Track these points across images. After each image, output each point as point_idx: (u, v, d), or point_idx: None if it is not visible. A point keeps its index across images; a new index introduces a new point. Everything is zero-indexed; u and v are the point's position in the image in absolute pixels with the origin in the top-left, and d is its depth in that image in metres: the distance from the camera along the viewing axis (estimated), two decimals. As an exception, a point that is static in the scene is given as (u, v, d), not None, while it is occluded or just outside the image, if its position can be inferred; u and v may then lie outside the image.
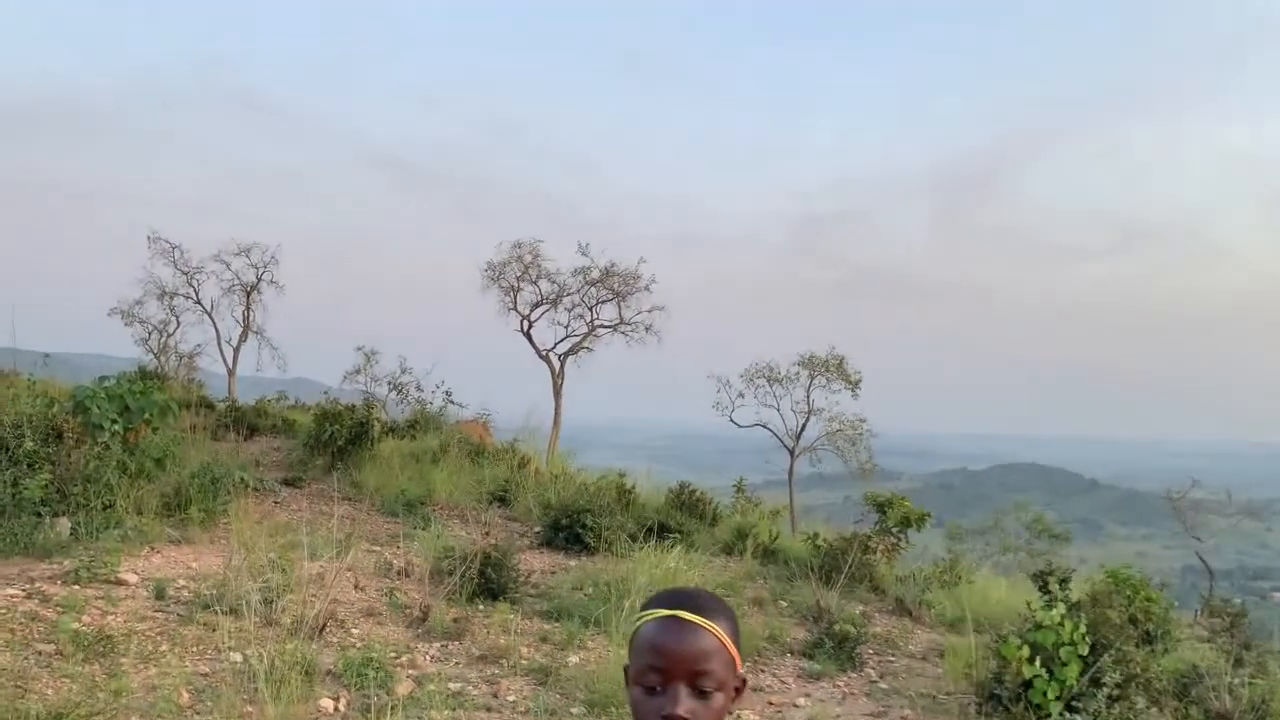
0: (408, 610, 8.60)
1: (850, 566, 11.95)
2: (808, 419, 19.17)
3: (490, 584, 9.12)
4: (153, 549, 9.93)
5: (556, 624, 8.77)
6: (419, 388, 20.93)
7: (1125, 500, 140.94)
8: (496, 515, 13.73)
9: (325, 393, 25.46)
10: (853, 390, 18.94)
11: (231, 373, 26.16)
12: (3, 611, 7.20)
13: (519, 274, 20.93)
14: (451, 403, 19.22)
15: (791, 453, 19.12)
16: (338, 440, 14.71)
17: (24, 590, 7.82)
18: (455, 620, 8.33)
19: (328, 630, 7.66)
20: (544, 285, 21.51)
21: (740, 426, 19.69)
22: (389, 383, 23.72)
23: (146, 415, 11.63)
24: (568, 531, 12.37)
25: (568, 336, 21.43)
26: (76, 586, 8.10)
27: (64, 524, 10.07)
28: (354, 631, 7.91)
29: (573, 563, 11.81)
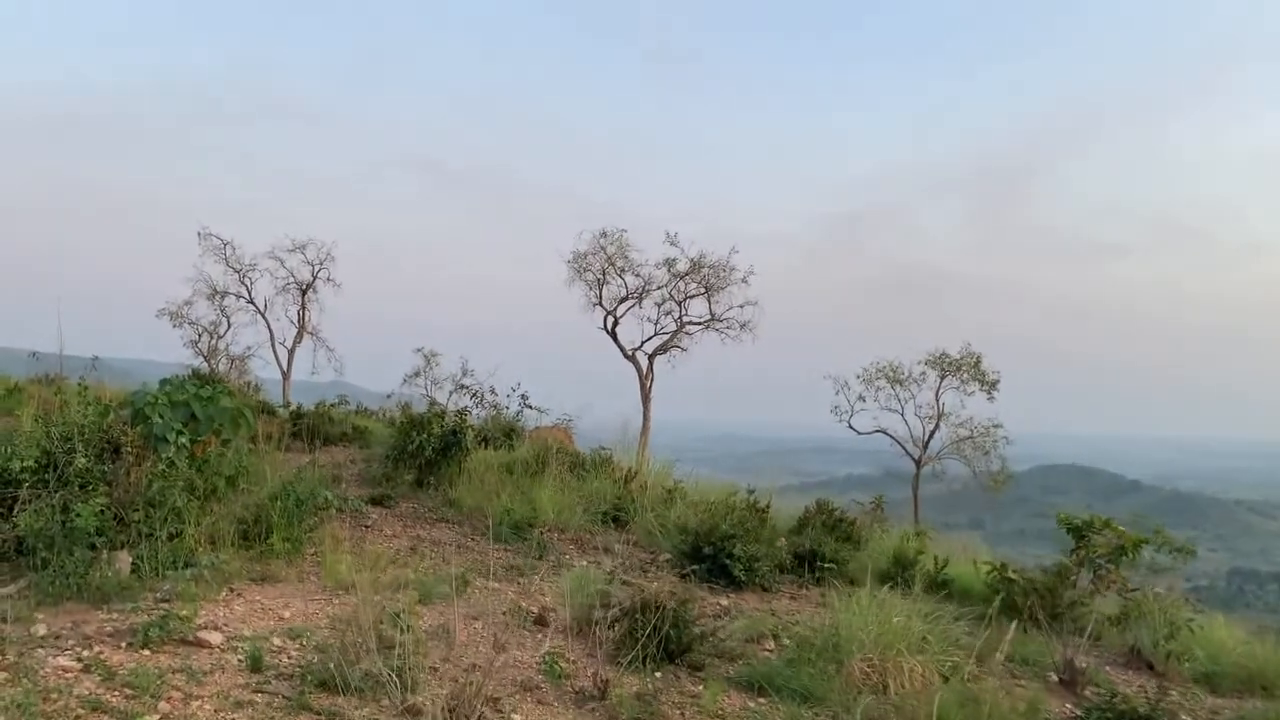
0: (571, 681, 6.61)
1: (1063, 607, 9.89)
2: (937, 424, 17.04)
3: (669, 643, 7.11)
4: (232, 590, 8.05)
5: (761, 700, 6.75)
6: (494, 391, 18.99)
7: (1168, 501, 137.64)
8: (616, 540, 11.74)
9: (389, 396, 23.69)
10: (989, 392, 16.81)
11: (286, 376, 24.45)
12: (54, 695, 5.30)
13: (603, 266, 18.97)
14: (529, 407, 17.25)
15: (918, 462, 17.00)
16: (426, 451, 12.78)
17: (80, 659, 5.93)
18: (640, 697, 6.33)
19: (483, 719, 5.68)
20: (629, 279, 19.56)
21: (859, 433, 17.60)
22: (459, 385, 21.91)
23: (216, 425, 9.75)
24: (711, 562, 10.35)
25: (657, 334, 19.44)
26: (146, 651, 6.21)
27: (124, 559, 8.20)
28: (515, 719, 5.92)
29: (723, 600, 9.82)
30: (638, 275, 19.49)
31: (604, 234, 19.11)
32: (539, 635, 7.65)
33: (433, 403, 23.83)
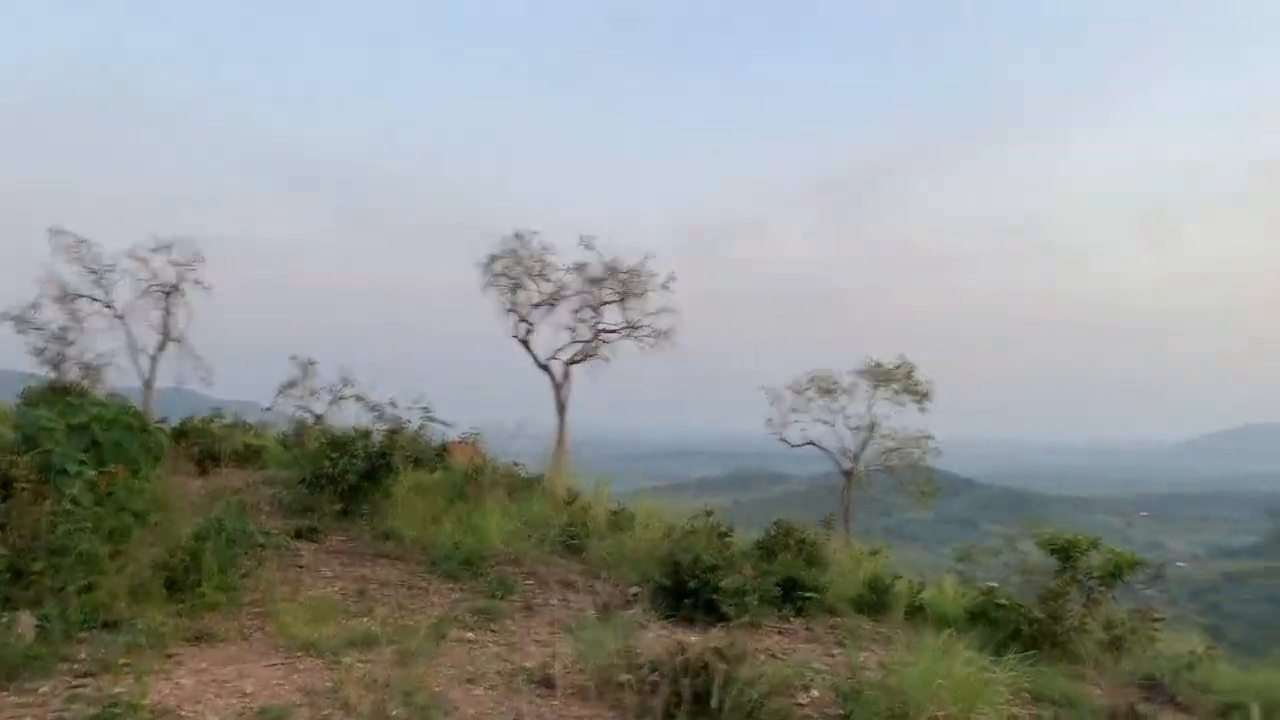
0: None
1: (1063, 635, 9.41)
2: (869, 436, 16.60)
3: (709, 712, 6.13)
4: (170, 657, 6.65)
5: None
6: (394, 404, 17.50)
7: (1000, 498, 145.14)
8: (575, 572, 10.68)
9: (268, 409, 21.91)
10: (920, 404, 16.48)
11: (149, 386, 22.18)
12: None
13: (519, 270, 17.82)
14: (431, 420, 15.89)
15: (848, 475, 16.52)
16: (350, 476, 11.40)
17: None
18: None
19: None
20: (543, 284, 18.47)
21: (793, 446, 17.01)
22: (338, 395, 20.39)
23: (127, 453, 8.25)
24: (695, 597, 9.42)
25: (573, 342, 18.39)
26: (94, 755, 4.87)
27: (26, 621, 6.73)
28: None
29: (703, 637, 8.88)
30: (550, 280, 18.40)
31: (517, 237, 17.94)
32: (552, 700, 6.56)
33: (315, 417, 22.12)
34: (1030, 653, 8.09)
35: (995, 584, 10.38)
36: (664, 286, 18.34)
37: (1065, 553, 10.45)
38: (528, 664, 7.29)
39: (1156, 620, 9.58)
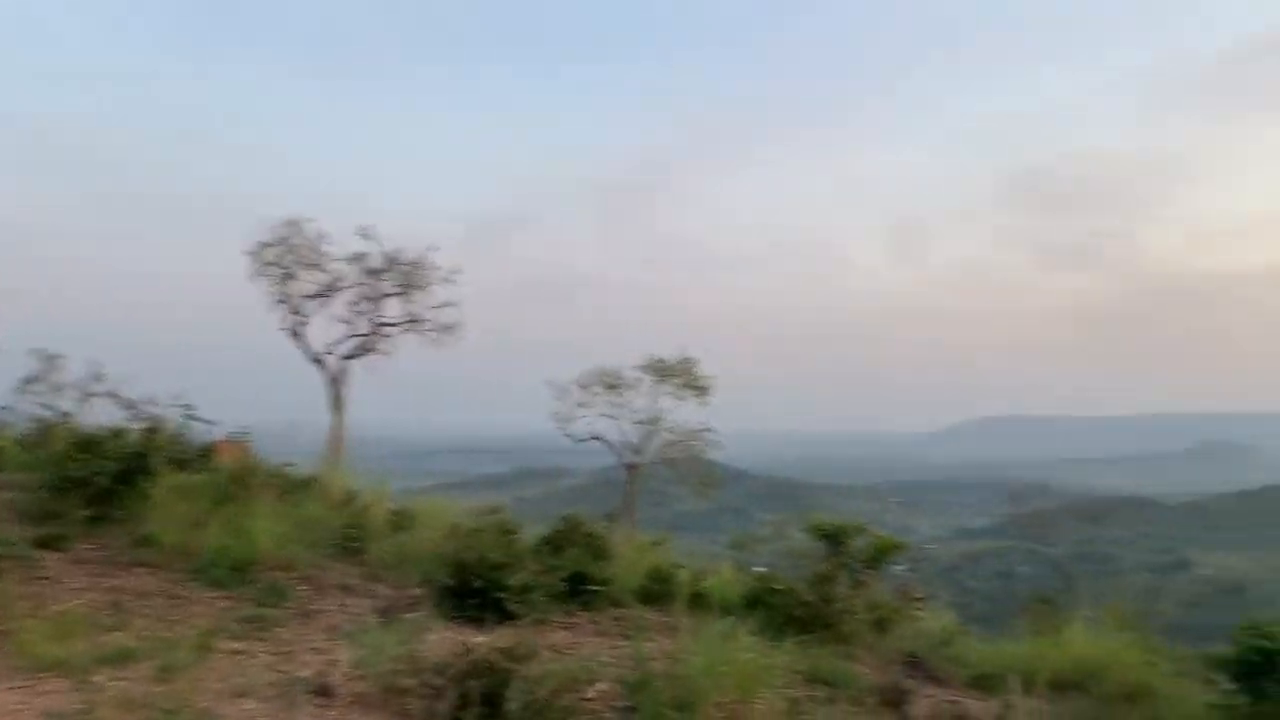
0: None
1: (833, 617, 9.91)
2: (652, 430, 16.92)
3: (497, 713, 6.05)
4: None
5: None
6: (152, 401, 16.31)
7: (769, 487, 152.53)
8: (354, 575, 10.30)
9: (4, 408, 19.89)
10: (700, 398, 16.94)
11: None
12: None
13: (292, 259, 16.98)
14: (193, 418, 14.95)
15: (631, 468, 16.78)
16: (102, 479, 10.51)
17: None
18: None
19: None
20: (318, 275, 17.70)
21: (578, 441, 17.07)
22: (89, 393, 18.90)
23: None
24: (482, 596, 9.29)
25: (350, 336, 17.73)
26: None
27: None
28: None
29: (490, 637, 8.78)
30: (326, 271, 17.65)
31: (290, 224, 17.09)
32: (331, 710, 6.28)
33: (61, 415, 20.29)
34: (805, 635, 8.45)
35: (769, 569, 10.80)
36: (447, 279, 17.98)
37: (834, 538, 11.01)
38: (304, 673, 6.95)
39: (917, 600, 10.25)
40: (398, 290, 18.25)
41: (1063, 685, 8.41)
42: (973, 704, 8.05)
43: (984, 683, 9.12)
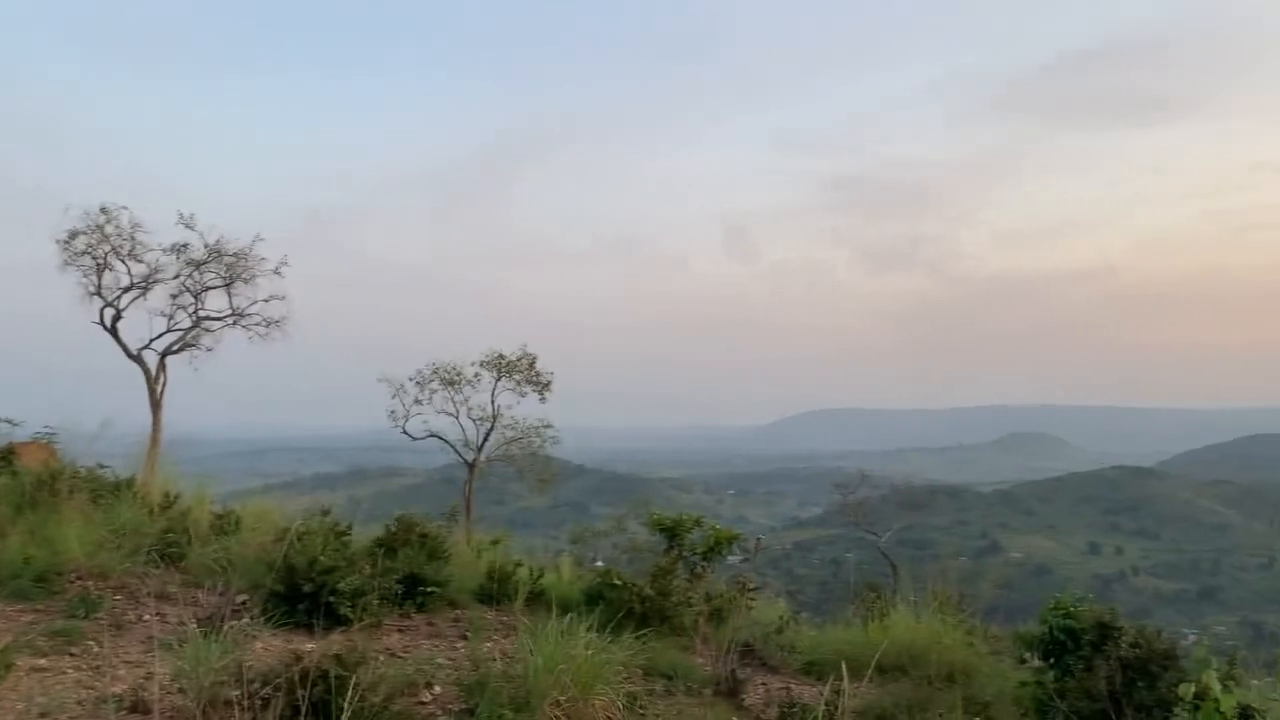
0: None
1: (671, 609, 10.04)
2: (492, 427, 16.73)
3: None
4: None
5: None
6: (-57, 399, 15.10)
7: (608, 482, 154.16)
8: (174, 583, 9.76)
9: None
10: (542, 394, 16.87)
11: None
12: None
13: (107, 249, 15.97)
14: (-6, 419, 13.95)
15: (471, 465, 16.56)
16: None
17: None
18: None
19: None
20: (134, 265, 16.71)
21: (415, 439, 16.70)
22: None
23: None
24: (311, 601, 8.96)
25: (169, 330, 16.83)
26: None
27: None
28: None
29: (321, 644, 8.50)
30: (143, 262, 16.68)
31: (103, 212, 16.05)
32: (148, 727, 5.92)
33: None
34: (644, 629, 8.52)
35: (607, 564, 10.85)
36: (275, 272, 17.28)
37: (672, 531, 11.15)
38: (116, 689, 6.54)
39: (751, 590, 10.49)
40: (222, 283, 17.44)
41: (888, 669, 8.77)
42: (804, 690, 8.31)
43: (815, 669, 9.43)
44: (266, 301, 17.17)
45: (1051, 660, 7.86)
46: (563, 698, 6.49)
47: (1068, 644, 7.74)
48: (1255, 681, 7.69)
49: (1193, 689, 5.29)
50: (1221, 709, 5.17)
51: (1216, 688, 5.20)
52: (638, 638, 8.20)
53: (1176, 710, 5.33)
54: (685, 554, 11.07)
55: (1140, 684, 6.57)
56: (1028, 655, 8.48)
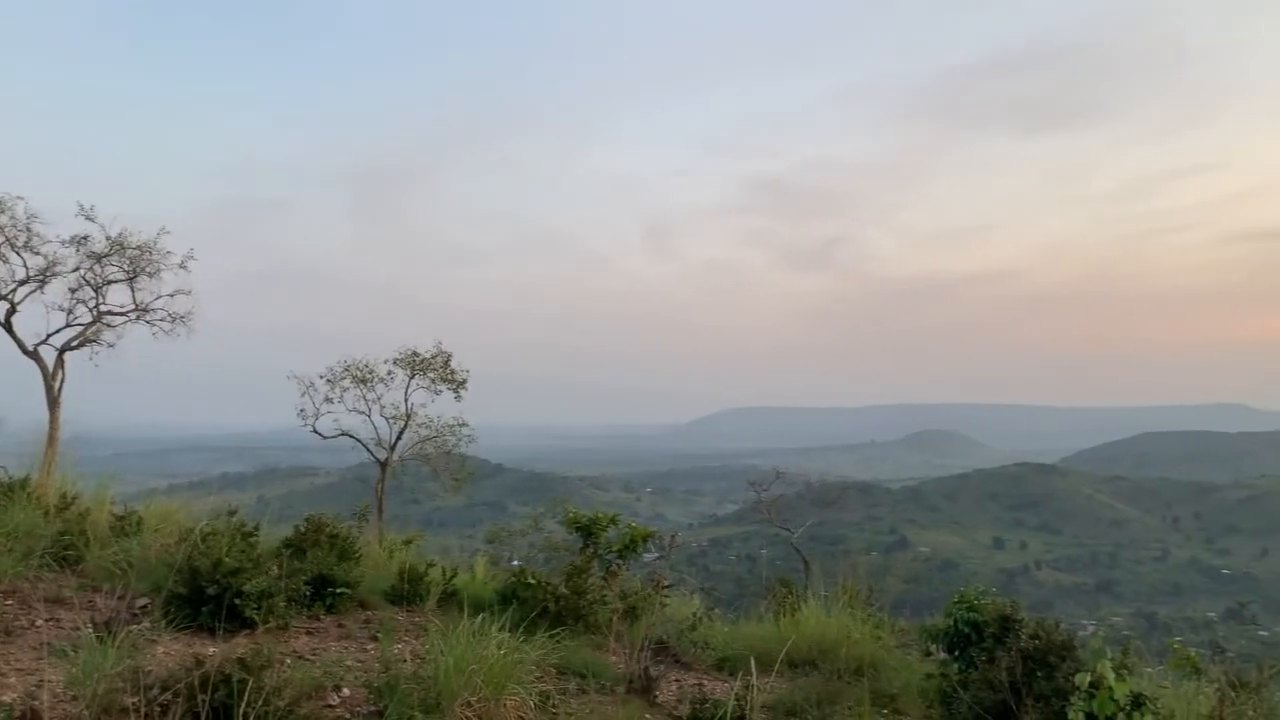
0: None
1: (586, 608, 10.04)
2: (405, 425, 16.46)
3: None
4: None
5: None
6: None
7: (526, 481, 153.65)
8: (69, 587, 9.40)
9: None
10: (457, 392, 16.66)
11: None
12: None
13: (0, 240, 15.27)
14: None
15: (383, 465, 16.29)
16: None
17: None
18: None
19: None
20: (30, 258, 16.01)
21: (325, 438, 16.35)
22: None
23: None
24: (215, 603, 8.72)
25: (69, 325, 16.16)
26: None
27: None
28: None
29: (225, 647, 8.29)
30: (40, 254, 15.99)
31: (-6, 200, 15.35)
32: (39, 737, 5.69)
33: None
34: (558, 628, 8.50)
35: (523, 564, 10.80)
36: (182, 266, 16.70)
37: (588, 530, 11.14)
38: (6, 698, 6.28)
39: (665, 588, 10.54)
40: (125, 277, 16.82)
41: (799, 663, 8.91)
42: (717, 686, 8.39)
43: (728, 665, 9.53)
44: (172, 296, 16.59)
45: (955, 653, 8.06)
46: (474, 698, 6.44)
47: (971, 636, 7.95)
48: (1148, 670, 7.99)
49: (1088, 678, 5.48)
50: (1115, 697, 5.37)
51: (1110, 676, 5.40)
52: (551, 637, 8.17)
53: (1073, 699, 5.51)
54: (601, 552, 11.06)
55: (1039, 674, 6.78)
56: (933, 648, 8.68)
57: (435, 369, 16.52)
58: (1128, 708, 5.47)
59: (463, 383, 16.68)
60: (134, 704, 5.74)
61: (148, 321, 16.69)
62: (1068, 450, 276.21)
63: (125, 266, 16.68)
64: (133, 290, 16.84)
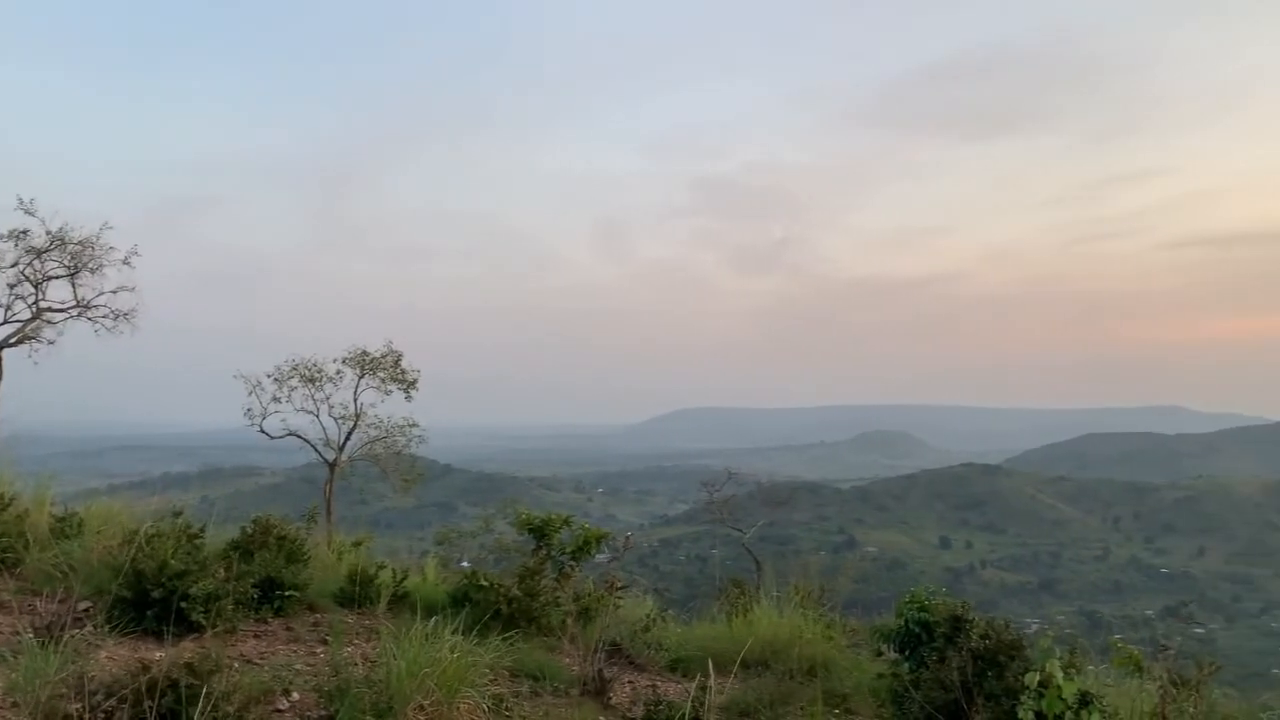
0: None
1: (539, 610, 10.00)
2: (354, 425, 16.28)
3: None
4: None
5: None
6: None
7: (476, 482, 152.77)
8: (6, 590, 9.17)
9: None
10: (407, 392, 16.51)
11: None
12: None
13: (-66, 235, 14.89)
14: None
15: (332, 465, 16.09)
16: None
17: None
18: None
19: None
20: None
21: (272, 437, 16.10)
22: None
23: None
24: (161, 606, 8.55)
25: (7, 321, 15.77)
26: None
27: None
28: None
29: (171, 651, 8.12)
30: (-25, 249, 15.60)
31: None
32: (-24, 747, 5.54)
33: None
34: (511, 630, 8.45)
35: (474, 566, 10.72)
36: (125, 262, 16.36)
37: (541, 531, 11.09)
38: (-57, 707, 6.09)
39: (619, 589, 10.52)
40: (66, 272, 16.44)
41: (752, 663, 8.94)
42: (671, 687, 8.39)
43: (682, 666, 9.54)
44: (115, 293, 16.26)
45: (907, 652, 8.15)
46: (427, 702, 6.38)
47: (922, 636, 8.04)
48: (1091, 668, 8.14)
49: (1037, 677, 5.57)
50: (1064, 695, 5.46)
51: (1059, 676, 5.49)
52: (505, 639, 8.13)
53: (1023, 698, 5.59)
54: (554, 554, 11.02)
55: (990, 674, 6.87)
56: (884, 648, 8.77)
57: (385, 368, 16.37)
58: (1075, 706, 5.57)
59: (413, 382, 16.54)
60: (78, 710, 5.61)
61: (90, 318, 16.36)
62: (1012, 451, 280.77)
63: (66, 262, 16.33)
64: (74, 286, 16.49)
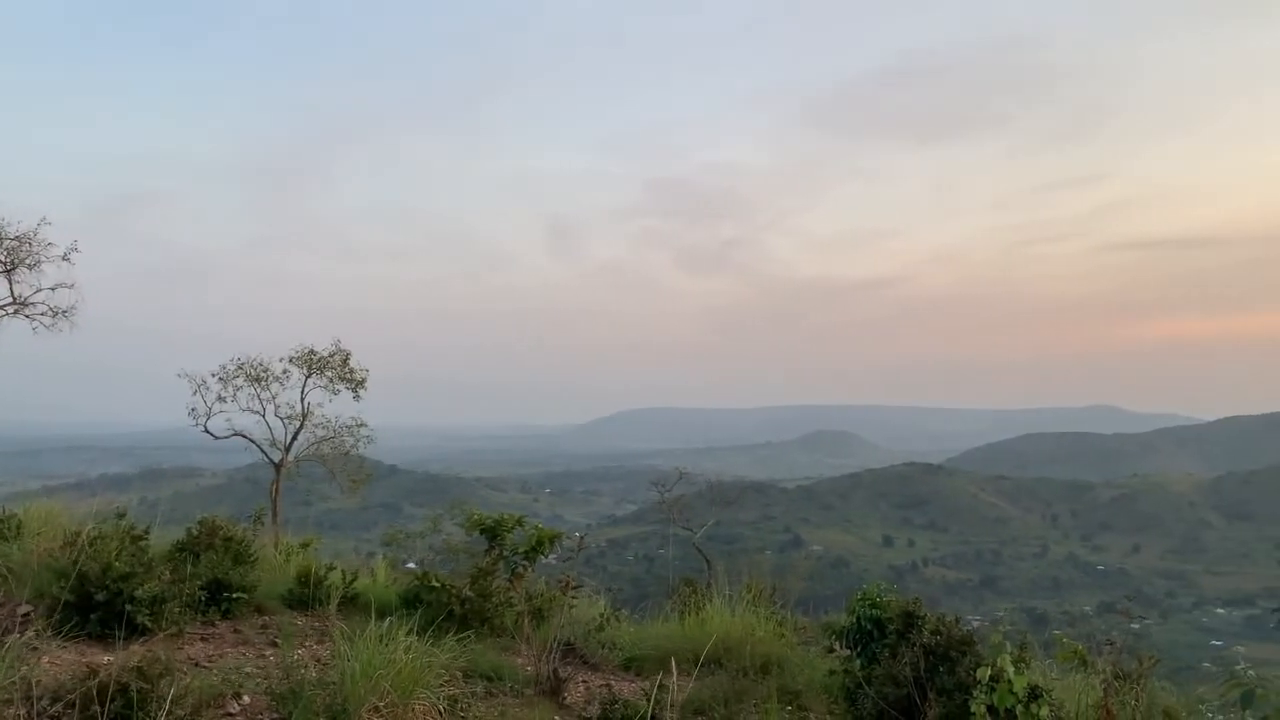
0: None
1: (492, 610, 9.96)
2: (301, 425, 16.06)
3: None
4: None
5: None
6: None
7: (422, 483, 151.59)
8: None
9: None
10: (355, 391, 16.33)
11: None
12: None
13: None
14: None
15: (278, 466, 15.87)
16: None
17: None
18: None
19: None
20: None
21: (216, 438, 15.82)
22: None
23: None
24: (106, 609, 8.38)
25: (-59, 319, 15.35)
26: None
27: None
28: None
29: (119, 655, 7.96)
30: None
31: None
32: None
33: None
34: (465, 631, 8.40)
35: (421, 566, 10.65)
36: (65, 258, 15.98)
37: (493, 532, 11.04)
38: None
39: (571, 589, 10.51)
40: (2, 269, 16.02)
41: (706, 661, 8.98)
42: (625, 686, 8.41)
43: (635, 665, 9.56)
44: (53, 290, 15.88)
45: (859, 649, 8.24)
46: (382, 703, 6.32)
47: (874, 633, 8.14)
48: (1036, 662, 8.31)
49: (989, 672, 5.68)
50: (1015, 689, 5.57)
51: (1010, 670, 5.60)
52: (459, 640, 8.08)
53: (975, 692, 5.70)
54: (506, 554, 10.97)
55: (942, 669, 6.98)
56: (836, 644, 8.86)
57: (333, 367, 16.19)
58: (1026, 700, 5.69)
59: (361, 382, 16.38)
60: (23, 716, 5.47)
61: (27, 316, 15.97)
62: (954, 450, 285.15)
63: (2, 258, 15.94)
64: (10, 283, 16.10)
